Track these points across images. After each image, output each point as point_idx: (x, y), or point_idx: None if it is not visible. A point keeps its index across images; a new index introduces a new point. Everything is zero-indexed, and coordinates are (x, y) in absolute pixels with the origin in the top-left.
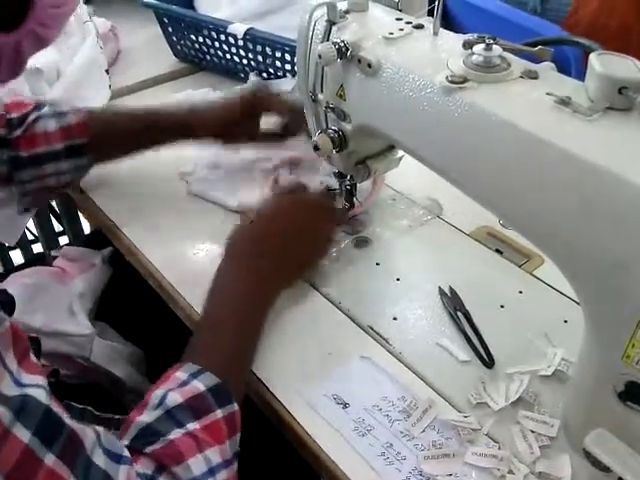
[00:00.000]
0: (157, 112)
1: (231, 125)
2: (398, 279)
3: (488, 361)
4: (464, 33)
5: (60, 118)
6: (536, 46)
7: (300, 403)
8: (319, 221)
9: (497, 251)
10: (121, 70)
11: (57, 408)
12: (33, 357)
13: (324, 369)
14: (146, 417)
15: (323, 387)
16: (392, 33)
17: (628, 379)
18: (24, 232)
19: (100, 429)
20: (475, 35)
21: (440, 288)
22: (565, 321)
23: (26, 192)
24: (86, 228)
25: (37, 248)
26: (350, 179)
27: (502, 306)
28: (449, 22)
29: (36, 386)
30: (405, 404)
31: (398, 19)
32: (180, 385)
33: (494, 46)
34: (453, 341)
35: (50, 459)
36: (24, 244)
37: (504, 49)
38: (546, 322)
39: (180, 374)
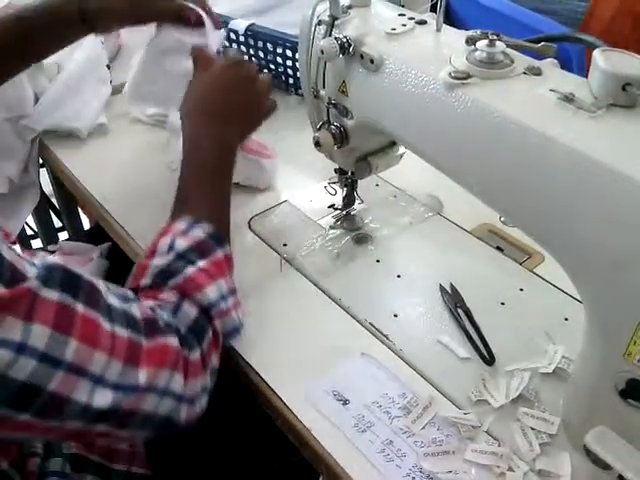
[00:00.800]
0: (31, 12)
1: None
2: (399, 276)
3: (488, 358)
4: (466, 29)
5: None
6: (539, 42)
7: (300, 399)
8: (251, 74)
9: (498, 248)
10: (122, 65)
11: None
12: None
13: (324, 365)
14: (160, 260)
15: (323, 383)
16: (395, 29)
17: (629, 376)
18: (24, 227)
19: (106, 282)
20: (478, 31)
21: (441, 285)
22: (566, 319)
23: None
24: (86, 223)
25: (37, 244)
26: (351, 175)
27: (503, 303)
28: (452, 18)
29: (46, 258)
30: (405, 401)
31: (401, 15)
32: (183, 233)
33: (497, 42)
34: (453, 338)
35: (80, 307)
36: (24, 239)
37: (507, 45)
38: (547, 319)
39: (180, 224)
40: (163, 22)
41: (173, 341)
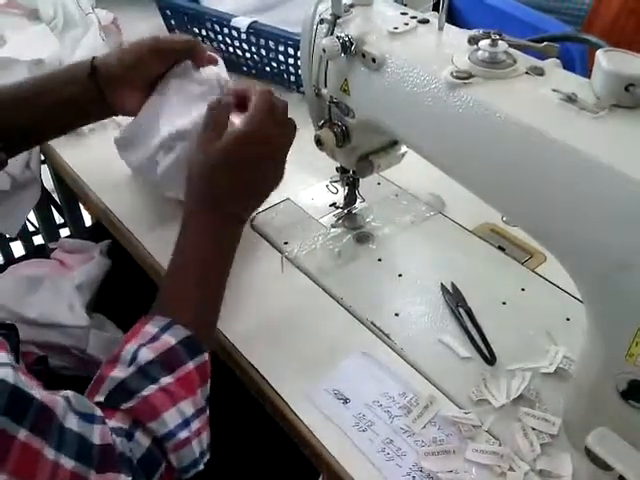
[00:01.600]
0: (48, 82)
1: (143, 68)
2: (400, 275)
3: (489, 358)
4: (469, 28)
5: None
6: (542, 42)
7: (301, 398)
8: (275, 145)
9: (500, 248)
10: None
11: (24, 382)
12: None
13: (325, 364)
14: (120, 373)
15: (324, 382)
16: (397, 28)
17: (631, 378)
18: (25, 224)
19: (70, 393)
20: (481, 31)
21: (442, 284)
22: (567, 319)
23: None
24: (87, 220)
25: (38, 240)
26: (353, 174)
27: (504, 303)
28: (454, 17)
29: (1, 365)
30: (406, 400)
31: (403, 14)
32: (151, 340)
33: (500, 42)
34: (455, 337)
35: (22, 434)
36: (25, 236)
37: (510, 45)
38: (548, 319)
39: (149, 328)
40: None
41: (127, 479)
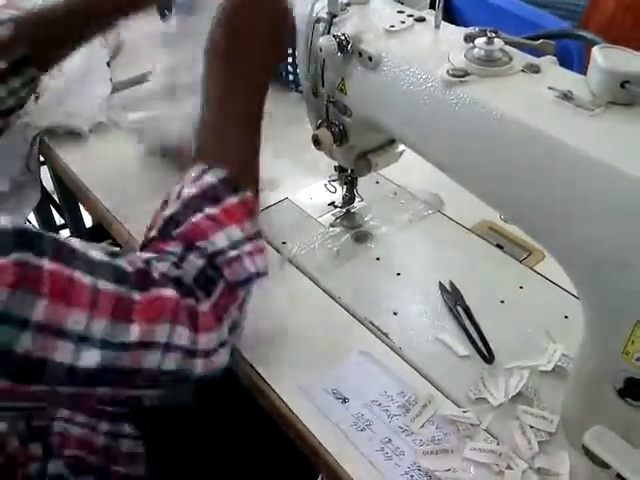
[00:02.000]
0: None
1: None
2: (398, 274)
3: (488, 356)
4: (466, 26)
5: None
6: (538, 39)
7: (299, 397)
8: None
9: (498, 246)
10: (122, 63)
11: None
12: None
13: (323, 364)
14: (168, 211)
15: (322, 382)
16: (393, 26)
17: (627, 375)
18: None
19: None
20: (477, 28)
21: (440, 283)
22: (566, 317)
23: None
24: (88, 221)
25: None
26: (351, 173)
27: (502, 301)
28: (452, 15)
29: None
30: (404, 399)
31: (400, 12)
32: (193, 180)
33: (495, 40)
34: (453, 336)
35: (47, 263)
36: None
37: (506, 42)
38: (546, 318)
39: (192, 172)
40: None
41: (170, 292)
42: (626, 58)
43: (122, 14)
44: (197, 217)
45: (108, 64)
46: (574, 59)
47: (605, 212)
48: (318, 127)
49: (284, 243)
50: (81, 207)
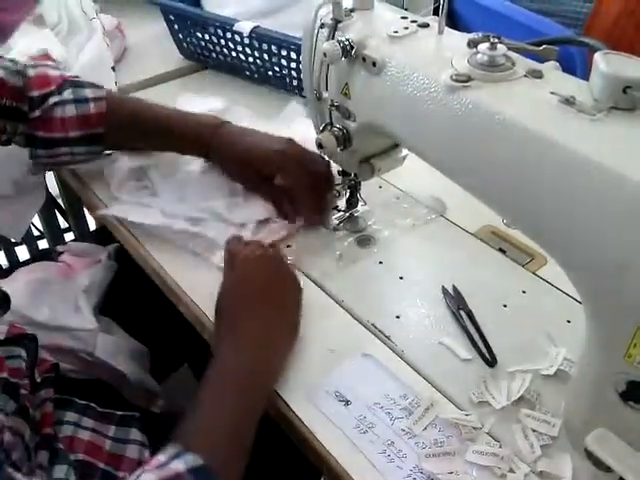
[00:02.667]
0: (182, 122)
1: (256, 176)
2: (401, 278)
3: (490, 360)
4: (469, 32)
5: (79, 105)
6: (541, 45)
7: (302, 400)
8: (284, 270)
9: (500, 250)
10: (127, 67)
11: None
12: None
13: (326, 366)
14: None
15: (325, 384)
16: (397, 32)
17: (630, 379)
18: (29, 228)
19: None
20: (480, 34)
21: (443, 287)
22: (568, 321)
23: (41, 162)
24: (92, 224)
25: (43, 244)
26: (354, 177)
27: (505, 305)
28: (455, 21)
29: None
30: (407, 402)
31: (403, 17)
32: (158, 467)
33: (499, 45)
34: (455, 340)
35: None
36: (30, 240)
37: (509, 48)
38: (549, 322)
39: (161, 455)
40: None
41: None
42: (628, 64)
43: (194, 154)
44: None
45: (113, 68)
46: (577, 65)
47: (607, 216)
48: (322, 131)
49: (288, 246)
50: (85, 211)
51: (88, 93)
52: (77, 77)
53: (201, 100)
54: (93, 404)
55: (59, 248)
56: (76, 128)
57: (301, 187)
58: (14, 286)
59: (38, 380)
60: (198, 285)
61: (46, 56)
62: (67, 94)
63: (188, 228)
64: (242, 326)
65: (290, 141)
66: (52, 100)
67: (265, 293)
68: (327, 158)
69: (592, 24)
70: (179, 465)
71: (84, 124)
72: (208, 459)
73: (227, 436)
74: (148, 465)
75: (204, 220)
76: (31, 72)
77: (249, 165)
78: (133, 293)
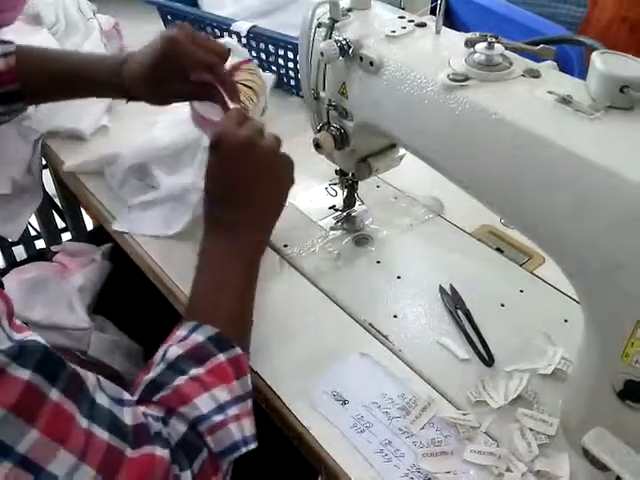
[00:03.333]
0: (90, 64)
1: (159, 77)
2: (399, 277)
3: (488, 359)
4: (467, 31)
5: None
6: (538, 45)
7: (299, 399)
8: (279, 163)
9: (498, 250)
10: None
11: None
12: (18, 320)
13: (324, 366)
14: (151, 374)
15: (323, 383)
16: (394, 31)
17: (627, 378)
18: (27, 228)
19: (99, 377)
20: (477, 34)
21: (441, 286)
22: (565, 320)
23: None
24: (89, 224)
25: (40, 244)
26: (351, 177)
27: (502, 305)
28: (452, 20)
29: (32, 335)
30: (404, 401)
31: (401, 17)
32: (180, 340)
33: (496, 45)
34: (453, 339)
35: (55, 394)
36: (27, 240)
37: (506, 48)
38: (546, 321)
39: (180, 331)
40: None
41: (163, 453)
42: (625, 63)
43: (109, 94)
44: (180, 380)
45: None
46: (574, 65)
47: (605, 215)
48: (319, 131)
49: (285, 246)
50: (82, 210)
51: None
52: None
53: None
54: None
55: (53, 248)
56: None
57: (211, 66)
58: (8, 286)
59: None
60: None
61: None
62: None
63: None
64: (217, 209)
65: (176, 28)
66: None
67: (251, 181)
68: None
69: (585, 29)
70: (199, 336)
71: None
72: (221, 327)
73: (233, 302)
74: (171, 340)
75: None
76: None
77: (153, 69)
78: (128, 292)
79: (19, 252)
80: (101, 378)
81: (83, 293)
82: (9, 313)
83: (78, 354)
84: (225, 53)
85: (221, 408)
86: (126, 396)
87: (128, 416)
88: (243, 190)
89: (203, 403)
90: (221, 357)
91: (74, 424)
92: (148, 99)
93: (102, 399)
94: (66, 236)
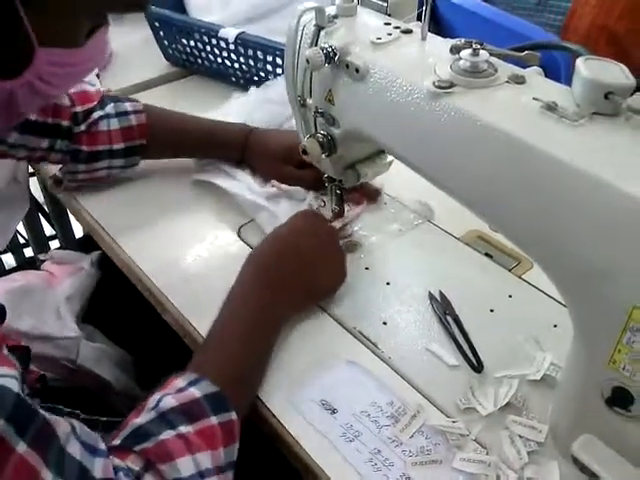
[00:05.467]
0: (215, 129)
1: (289, 165)
2: (388, 283)
3: (477, 366)
4: (454, 37)
5: (122, 118)
6: (523, 51)
7: (288, 408)
8: (336, 252)
9: (487, 255)
10: (112, 74)
11: (29, 400)
12: (5, 350)
13: (312, 374)
14: (140, 419)
15: (311, 392)
16: (380, 38)
17: (615, 384)
18: (16, 236)
19: (75, 422)
20: (462, 40)
21: (430, 292)
22: (555, 325)
23: (75, 179)
24: (78, 232)
25: (28, 252)
26: (339, 183)
27: (492, 310)
28: (440, 26)
29: (8, 376)
30: (393, 409)
31: (387, 24)
32: (177, 391)
33: (481, 51)
34: (442, 346)
35: (22, 447)
36: (16, 248)
37: (491, 54)
38: (535, 326)
39: (179, 381)
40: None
41: None
42: (610, 69)
43: (228, 158)
44: (167, 434)
45: (98, 75)
46: (561, 70)
47: (590, 223)
48: (306, 138)
49: None
50: (71, 218)
51: (128, 107)
52: (110, 90)
53: None
54: (78, 411)
55: (41, 256)
56: (120, 140)
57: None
58: None
59: (26, 392)
60: (183, 293)
61: None
62: (109, 108)
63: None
64: (268, 267)
65: None
66: (96, 114)
67: (304, 253)
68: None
69: (563, 38)
70: (195, 391)
71: (127, 136)
72: (223, 385)
73: (236, 369)
74: (167, 388)
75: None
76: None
77: (280, 155)
78: (117, 300)
79: (8, 259)
80: (77, 425)
81: (71, 302)
82: None
83: (67, 364)
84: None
85: (201, 475)
86: (101, 446)
87: (98, 469)
88: (301, 262)
89: (184, 466)
90: (213, 420)
91: (38, 478)
92: (257, 172)
93: (73, 448)
94: (55, 244)
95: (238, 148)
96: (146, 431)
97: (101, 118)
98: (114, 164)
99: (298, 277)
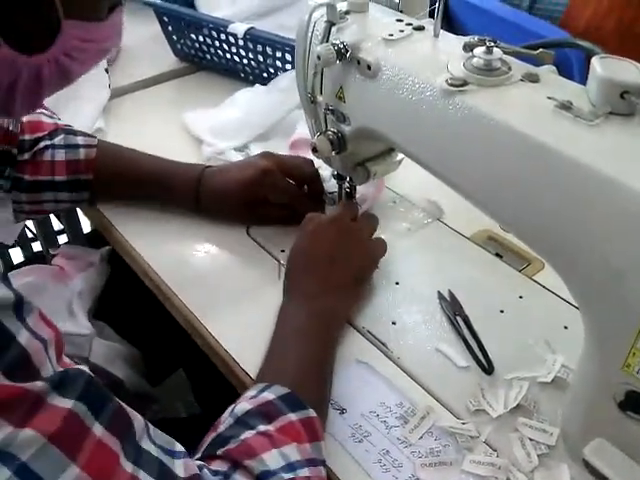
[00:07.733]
0: (169, 174)
1: (258, 206)
2: (397, 283)
3: (487, 367)
4: (466, 34)
5: (70, 150)
6: (537, 49)
7: None
8: (363, 238)
9: (497, 255)
10: (121, 69)
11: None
12: (65, 358)
13: None
14: (217, 430)
15: None
16: (392, 35)
17: (628, 388)
18: (24, 230)
19: (149, 423)
20: (476, 37)
21: (439, 292)
22: (565, 327)
23: (22, 210)
24: (86, 227)
25: (37, 247)
26: (349, 181)
27: (502, 311)
28: (451, 23)
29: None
30: (403, 410)
31: (399, 20)
32: (250, 398)
33: (495, 49)
34: (452, 346)
35: (98, 429)
36: (24, 243)
37: (505, 52)
38: (546, 328)
39: (250, 391)
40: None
41: None
42: (626, 68)
43: (184, 207)
44: (248, 434)
45: (106, 70)
46: (574, 68)
47: (604, 224)
48: (316, 135)
49: (282, 251)
50: (79, 212)
51: (80, 140)
52: (70, 126)
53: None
54: None
55: (52, 251)
56: (63, 172)
57: (294, 196)
58: None
59: None
60: (192, 289)
61: None
62: (58, 140)
63: None
64: (303, 282)
65: (264, 156)
66: (42, 144)
67: (330, 255)
68: (321, 159)
69: (565, 22)
70: (268, 395)
71: (72, 169)
72: (292, 389)
73: (306, 367)
74: (240, 399)
75: None
76: (25, 117)
77: (243, 199)
78: (127, 296)
79: (15, 254)
80: (151, 426)
81: (83, 298)
82: (58, 346)
83: (79, 362)
84: (314, 173)
85: (291, 467)
86: (178, 447)
87: (180, 468)
88: (323, 264)
89: (271, 459)
90: (292, 416)
91: (119, 466)
92: (218, 218)
93: (148, 446)
94: (63, 238)
95: (188, 195)
96: (226, 436)
97: (47, 148)
98: (60, 197)
99: (335, 264)
